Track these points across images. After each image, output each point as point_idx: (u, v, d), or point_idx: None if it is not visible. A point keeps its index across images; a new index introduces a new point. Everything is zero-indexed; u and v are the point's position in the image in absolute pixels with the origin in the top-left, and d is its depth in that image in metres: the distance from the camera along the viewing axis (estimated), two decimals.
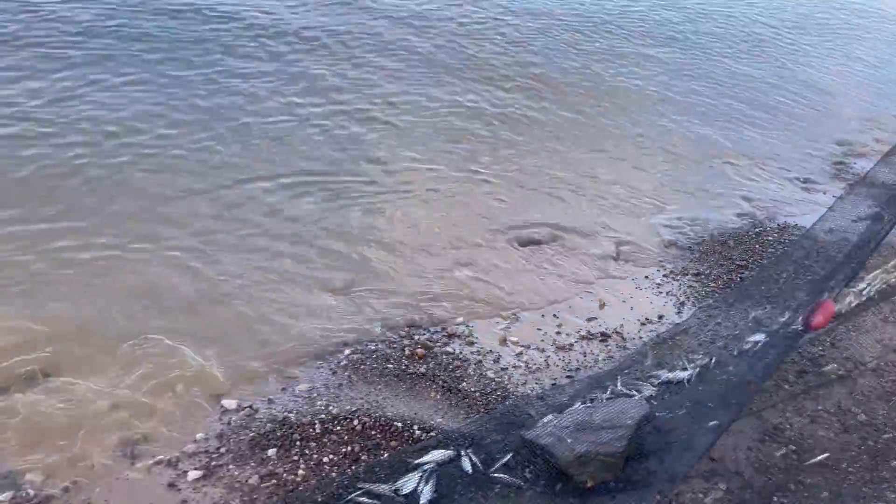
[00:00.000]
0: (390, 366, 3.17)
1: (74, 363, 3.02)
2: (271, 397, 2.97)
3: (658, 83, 6.97)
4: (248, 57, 6.00)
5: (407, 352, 3.25)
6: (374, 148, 4.98)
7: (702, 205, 5.00)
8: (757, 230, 4.72)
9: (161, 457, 2.64)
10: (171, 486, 2.53)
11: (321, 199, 4.38)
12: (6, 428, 2.71)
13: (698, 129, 6.18)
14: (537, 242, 4.32)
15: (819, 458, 2.83)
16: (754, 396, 3.01)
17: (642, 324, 3.62)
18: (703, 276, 4.06)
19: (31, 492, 2.48)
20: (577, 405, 2.93)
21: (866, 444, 2.96)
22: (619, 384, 3.02)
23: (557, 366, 3.29)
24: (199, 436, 2.75)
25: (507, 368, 3.24)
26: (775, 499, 2.66)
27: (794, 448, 2.88)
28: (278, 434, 2.75)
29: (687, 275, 4.08)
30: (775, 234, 4.66)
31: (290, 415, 2.86)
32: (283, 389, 3.03)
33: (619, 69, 7.11)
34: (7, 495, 2.48)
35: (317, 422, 2.81)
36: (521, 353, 3.35)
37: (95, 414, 2.82)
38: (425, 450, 2.68)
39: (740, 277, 4.06)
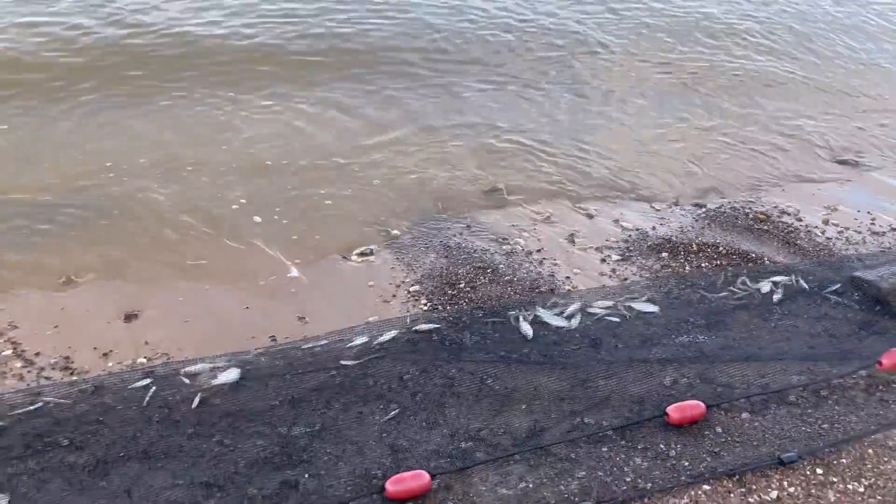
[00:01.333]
0: (739, 222, 4.35)
1: None
2: (654, 226, 4.32)
3: None
4: None
5: (751, 216, 4.41)
6: None
7: None
8: None
9: (591, 245, 4.12)
10: (602, 261, 3.99)
11: None
12: None
13: None
14: (852, 164, 5.19)
15: None
16: None
17: None
18: None
19: None
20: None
21: None
22: None
23: (872, 244, 4.24)
24: (612, 240, 4.18)
25: (831, 239, 4.26)
26: None
27: None
28: (667, 246, 4.09)
29: None
30: None
31: (673, 237, 4.18)
32: (661, 223, 4.35)
33: None
34: None
35: (693, 244, 4.10)
36: (842, 232, 4.34)
37: None
38: (773, 271, 3.86)
39: None
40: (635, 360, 3.14)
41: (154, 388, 2.82)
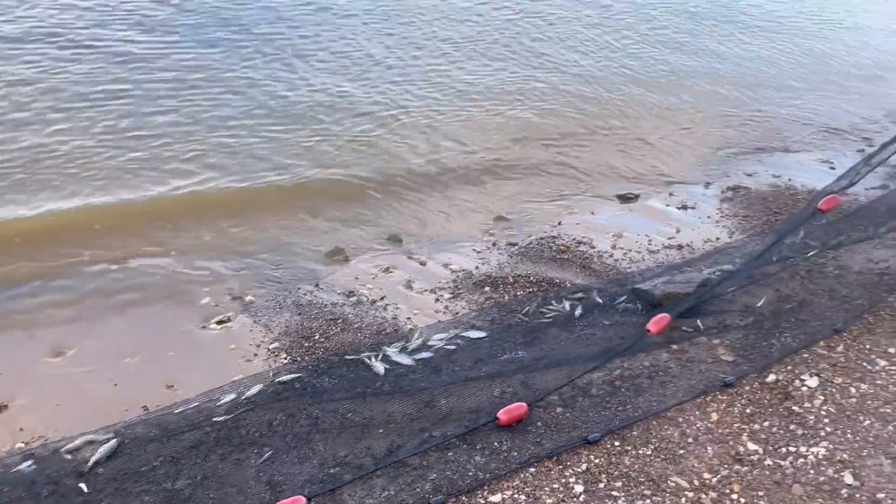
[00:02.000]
0: (545, 254, 5.19)
1: None
2: (477, 266, 5.04)
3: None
4: None
5: (555, 248, 5.27)
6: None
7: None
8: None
9: (426, 288, 4.75)
10: (437, 300, 4.63)
11: None
12: None
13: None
14: (631, 197, 6.28)
15: None
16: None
17: (704, 242, 5.53)
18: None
19: None
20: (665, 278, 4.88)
21: None
22: (687, 270, 4.96)
23: (650, 260, 5.23)
24: (443, 281, 4.84)
25: (618, 260, 5.20)
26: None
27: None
28: (489, 281, 4.81)
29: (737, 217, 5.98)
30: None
31: (493, 273, 4.92)
32: (482, 263, 5.09)
33: None
34: None
35: (509, 277, 4.86)
36: (626, 253, 5.31)
37: None
38: (574, 292, 4.69)
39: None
40: (470, 379, 3.76)
41: (37, 466, 3.02)
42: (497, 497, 3.04)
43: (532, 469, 3.20)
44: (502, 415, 3.41)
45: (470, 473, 3.13)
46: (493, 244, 5.37)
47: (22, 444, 3.24)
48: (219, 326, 4.28)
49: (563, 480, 3.15)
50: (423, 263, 5.08)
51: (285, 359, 4.01)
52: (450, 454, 3.25)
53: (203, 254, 4.94)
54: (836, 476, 3.19)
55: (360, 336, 4.23)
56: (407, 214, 5.72)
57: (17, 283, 4.44)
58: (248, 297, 4.54)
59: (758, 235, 5.57)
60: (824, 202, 4.63)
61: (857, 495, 3.08)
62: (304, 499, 2.88)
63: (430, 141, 6.77)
